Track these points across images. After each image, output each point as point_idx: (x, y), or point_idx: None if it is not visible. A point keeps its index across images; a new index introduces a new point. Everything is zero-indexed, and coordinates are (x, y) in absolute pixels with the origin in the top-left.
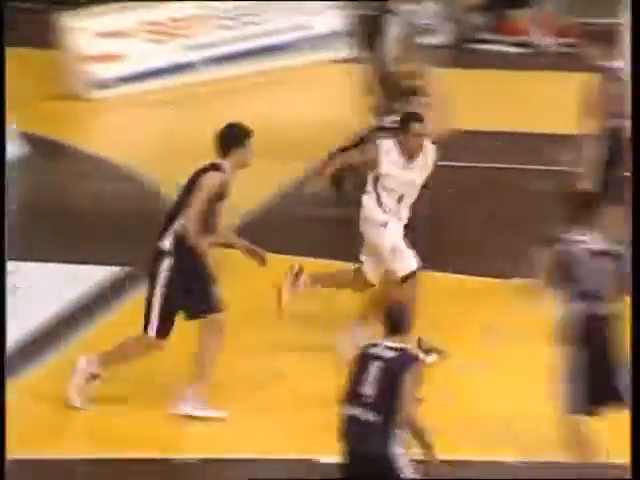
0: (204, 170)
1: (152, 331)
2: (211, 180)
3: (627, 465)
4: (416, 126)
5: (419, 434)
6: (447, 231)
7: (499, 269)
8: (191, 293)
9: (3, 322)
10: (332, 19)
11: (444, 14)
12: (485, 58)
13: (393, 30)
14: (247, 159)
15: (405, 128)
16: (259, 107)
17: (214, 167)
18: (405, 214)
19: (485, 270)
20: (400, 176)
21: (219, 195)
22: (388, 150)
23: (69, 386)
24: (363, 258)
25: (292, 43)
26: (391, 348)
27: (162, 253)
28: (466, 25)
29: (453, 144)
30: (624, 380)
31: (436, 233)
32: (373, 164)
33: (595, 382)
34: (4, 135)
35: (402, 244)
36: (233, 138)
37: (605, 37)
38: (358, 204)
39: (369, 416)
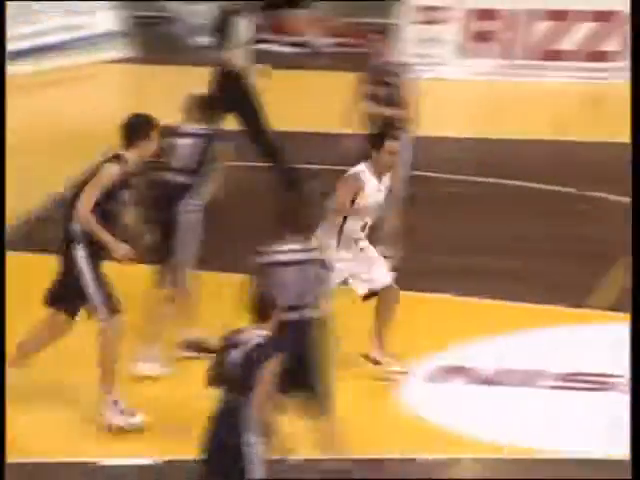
0: (106, 160)
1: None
2: (108, 171)
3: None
4: (392, 144)
5: (266, 429)
6: None
7: None
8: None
9: (3, 322)
10: (108, 19)
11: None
12: (262, 57)
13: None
14: (151, 150)
15: (379, 145)
16: (34, 107)
17: (116, 158)
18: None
19: None
20: (373, 197)
21: (118, 186)
22: (366, 176)
23: None
24: None
25: (67, 43)
26: (257, 335)
27: (72, 240)
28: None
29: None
30: (319, 386)
31: None
32: (355, 196)
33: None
34: (4, 135)
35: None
36: (138, 129)
37: (380, 36)
38: None
39: (229, 398)
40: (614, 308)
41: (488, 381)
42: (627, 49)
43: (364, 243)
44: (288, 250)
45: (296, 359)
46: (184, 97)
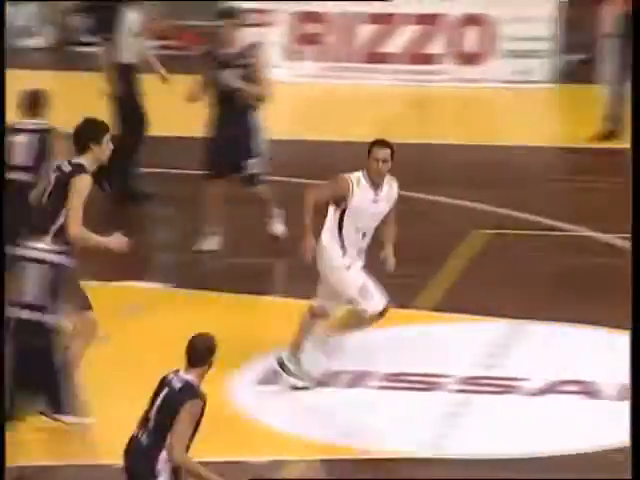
0: (73, 172)
1: None
2: (85, 182)
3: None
4: (379, 151)
5: (180, 474)
6: None
7: None
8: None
9: (2, 322)
10: None
11: (43, 16)
12: (86, 60)
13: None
14: (104, 155)
15: (368, 152)
16: None
17: (81, 168)
18: (364, 249)
19: None
20: (369, 210)
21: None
22: (359, 181)
23: None
24: (320, 295)
25: None
26: (182, 380)
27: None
28: (67, 27)
29: None
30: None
31: None
32: (343, 199)
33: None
34: (4, 135)
35: (369, 284)
36: (92, 134)
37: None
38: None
39: (144, 439)
40: (439, 309)
41: (319, 383)
42: (451, 52)
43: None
44: (33, 247)
45: (30, 359)
46: (18, 94)
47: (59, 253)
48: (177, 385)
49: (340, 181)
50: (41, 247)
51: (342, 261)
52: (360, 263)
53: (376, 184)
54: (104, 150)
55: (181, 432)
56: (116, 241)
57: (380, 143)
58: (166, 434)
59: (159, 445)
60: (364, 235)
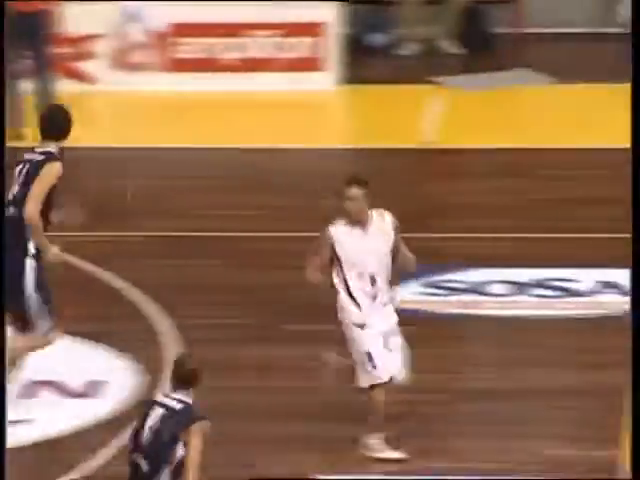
0: (45, 159)
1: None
2: (55, 170)
3: None
4: (348, 190)
5: None
6: None
7: None
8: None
9: (3, 321)
10: None
11: None
12: None
13: None
14: (66, 140)
15: (343, 191)
16: None
17: (53, 156)
18: (386, 301)
19: None
20: (361, 250)
21: (55, 185)
22: (337, 227)
23: None
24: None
25: None
26: (179, 400)
27: (26, 255)
28: None
29: None
30: None
31: None
32: (333, 252)
33: None
34: (4, 135)
35: (381, 352)
36: (62, 121)
37: None
38: None
39: (143, 464)
40: None
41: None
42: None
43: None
44: None
45: None
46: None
47: None
48: (175, 406)
49: (321, 237)
50: None
51: (355, 318)
52: (387, 320)
53: (358, 222)
54: (67, 136)
55: (196, 454)
56: (54, 254)
57: (349, 182)
58: (168, 456)
59: (161, 469)
60: (373, 280)
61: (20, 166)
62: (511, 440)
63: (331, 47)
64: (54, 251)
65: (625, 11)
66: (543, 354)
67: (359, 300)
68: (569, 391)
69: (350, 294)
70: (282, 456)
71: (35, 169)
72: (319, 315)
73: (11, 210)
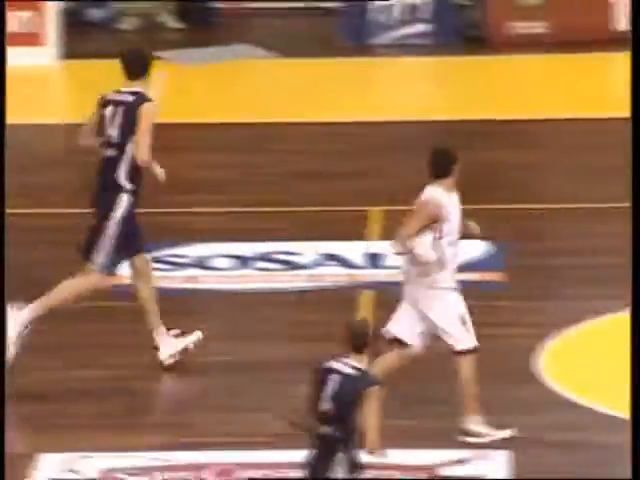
0: (138, 100)
1: (105, 268)
2: (151, 110)
3: None
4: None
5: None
6: None
7: None
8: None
9: (3, 319)
10: None
11: None
12: None
13: None
14: (151, 83)
15: (454, 162)
16: None
17: (144, 96)
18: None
19: None
20: (456, 217)
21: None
22: (442, 195)
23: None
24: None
25: None
26: (351, 366)
27: (119, 188)
28: None
29: None
30: None
31: None
32: (438, 220)
33: None
34: (4, 135)
35: (467, 315)
36: (143, 62)
37: None
38: None
39: (330, 432)
40: None
41: None
42: None
43: None
44: None
45: None
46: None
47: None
48: (350, 372)
49: (432, 205)
50: None
51: (451, 281)
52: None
53: (451, 190)
54: (152, 78)
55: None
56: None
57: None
58: (348, 422)
59: (350, 435)
60: (456, 249)
61: (111, 107)
62: (240, 413)
63: (50, 21)
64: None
65: None
66: (268, 327)
67: (451, 265)
68: (294, 363)
69: (445, 259)
70: None
71: (131, 111)
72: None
73: (109, 151)
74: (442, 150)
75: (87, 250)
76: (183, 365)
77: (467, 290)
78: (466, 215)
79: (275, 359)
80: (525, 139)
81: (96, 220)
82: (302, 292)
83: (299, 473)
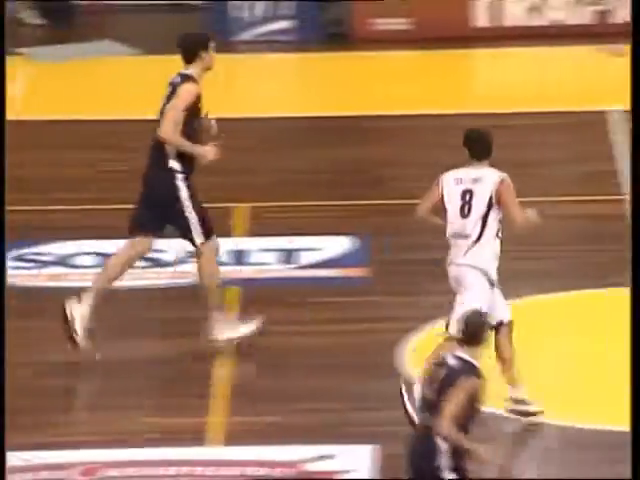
0: (181, 81)
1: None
2: (185, 91)
3: None
4: None
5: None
6: None
7: None
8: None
9: (2, 321)
10: None
11: None
12: None
13: None
14: (212, 63)
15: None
16: None
17: (189, 78)
18: None
19: None
20: None
21: (196, 106)
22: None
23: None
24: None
25: None
26: (457, 357)
27: (171, 170)
28: None
29: None
30: None
31: None
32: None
33: None
34: (4, 135)
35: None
36: (200, 42)
37: None
38: None
39: (427, 418)
40: None
41: None
42: None
43: None
44: None
45: None
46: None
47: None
48: (453, 363)
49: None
50: None
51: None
52: None
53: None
54: (211, 58)
55: (450, 407)
56: (209, 149)
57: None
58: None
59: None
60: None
61: (167, 90)
62: (105, 411)
63: None
64: (204, 151)
65: None
66: (133, 324)
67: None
68: (159, 361)
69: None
70: None
71: (172, 92)
72: None
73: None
74: (480, 131)
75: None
76: (46, 364)
77: (331, 286)
78: (328, 211)
79: (139, 357)
80: (385, 135)
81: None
82: (165, 289)
83: (167, 470)
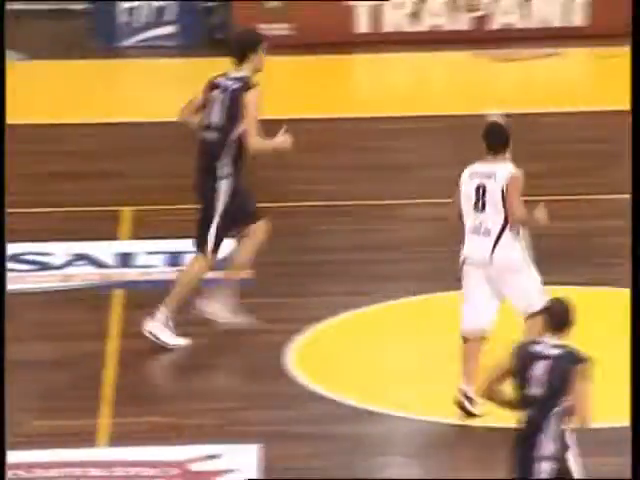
0: (243, 86)
1: (209, 251)
2: (256, 97)
3: None
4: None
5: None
6: None
7: None
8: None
9: (2, 319)
10: None
11: None
12: None
13: None
14: (262, 64)
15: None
16: None
17: (250, 81)
18: None
19: None
20: None
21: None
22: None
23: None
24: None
25: None
26: (556, 346)
27: (218, 174)
28: None
29: None
30: None
31: None
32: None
33: None
34: (4, 135)
35: None
36: (250, 44)
37: None
38: None
39: (534, 414)
40: None
41: None
42: None
43: None
44: None
45: None
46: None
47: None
48: (557, 352)
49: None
50: None
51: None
52: None
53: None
54: (262, 59)
55: (584, 403)
56: (283, 140)
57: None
58: (557, 403)
59: (548, 415)
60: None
61: (216, 91)
62: None
63: None
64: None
65: None
66: (18, 328)
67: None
68: (47, 363)
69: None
70: None
71: (236, 96)
72: None
73: (209, 135)
74: (495, 125)
75: (199, 243)
76: None
77: (216, 288)
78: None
79: (27, 360)
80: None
81: (200, 207)
82: (52, 292)
83: (59, 472)
